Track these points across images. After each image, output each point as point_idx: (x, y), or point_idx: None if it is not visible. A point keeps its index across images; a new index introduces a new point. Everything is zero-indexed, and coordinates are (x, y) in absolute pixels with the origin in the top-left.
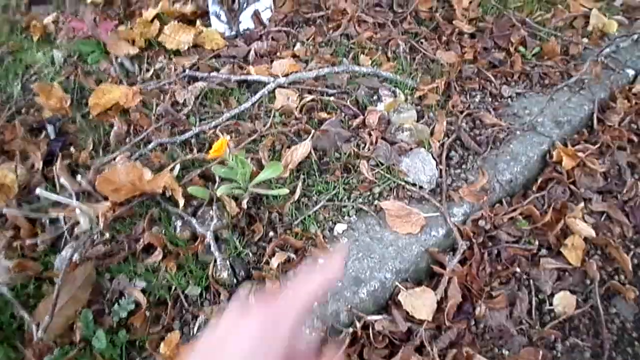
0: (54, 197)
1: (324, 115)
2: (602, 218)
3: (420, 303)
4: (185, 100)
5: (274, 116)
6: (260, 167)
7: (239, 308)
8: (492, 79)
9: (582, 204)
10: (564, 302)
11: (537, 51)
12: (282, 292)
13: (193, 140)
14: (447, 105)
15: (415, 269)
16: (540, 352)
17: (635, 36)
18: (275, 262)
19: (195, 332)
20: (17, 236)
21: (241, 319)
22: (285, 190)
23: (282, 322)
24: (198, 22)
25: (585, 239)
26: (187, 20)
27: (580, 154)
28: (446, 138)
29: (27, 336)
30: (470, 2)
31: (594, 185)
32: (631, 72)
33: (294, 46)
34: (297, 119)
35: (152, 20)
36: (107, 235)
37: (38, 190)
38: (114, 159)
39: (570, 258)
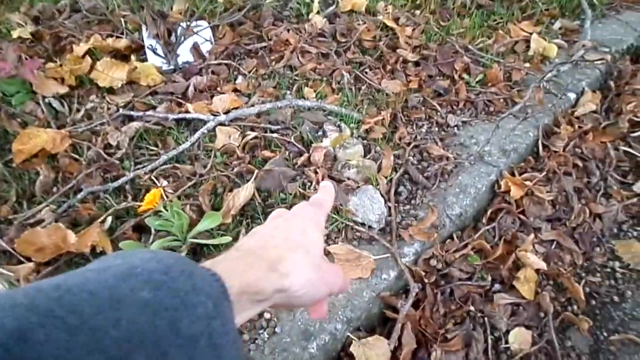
0: None
1: (267, 153)
2: (553, 246)
3: (374, 354)
4: (118, 142)
5: (215, 156)
6: (201, 213)
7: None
8: (438, 107)
9: (532, 235)
10: (519, 339)
11: (480, 78)
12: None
13: (127, 187)
14: (394, 138)
15: (367, 315)
16: None
17: (575, 60)
18: None
19: None
20: None
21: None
22: (227, 239)
23: (321, 216)
24: (133, 57)
25: (537, 271)
26: (122, 56)
27: (527, 182)
28: (394, 173)
29: None
30: (414, 30)
31: (542, 213)
32: (573, 96)
33: (235, 79)
34: (239, 158)
35: (83, 56)
36: None
37: None
38: (40, 211)
39: (524, 292)
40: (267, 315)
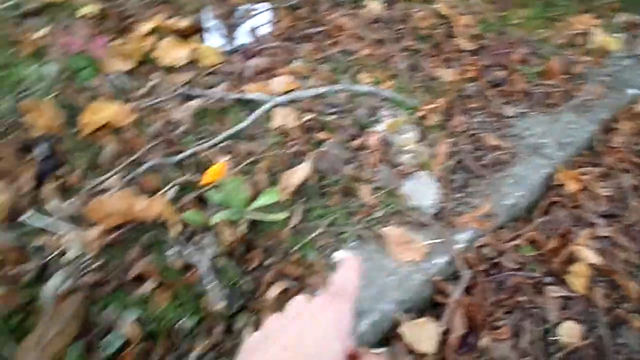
0: (41, 223)
1: (323, 135)
2: (607, 243)
3: (423, 335)
4: (180, 119)
5: (272, 136)
6: (257, 190)
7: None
8: (494, 98)
9: (587, 230)
10: (569, 332)
11: (538, 70)
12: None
13: (188, 162)
14: (448, 126)
15: (418, 298)
16: None
17: (637, 54)
18: (272, 292)
19: None
20: (3, 264)
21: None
22: (282, 216)
23: (345, 314)
24: (193, 38)
25: (591, 266)
26: (183, 36)
27: (583, 177)
28: (448, 160)
29: None
30: (470, 19)
31: (598, 209)
32: (633, 92)
33: (292, 62)
34: (295, 139)
35: (146, 36)
36: (97, 264)
37: (23, 217)
38: (106, 180)
39: (576, 286)
40: (319, 292)
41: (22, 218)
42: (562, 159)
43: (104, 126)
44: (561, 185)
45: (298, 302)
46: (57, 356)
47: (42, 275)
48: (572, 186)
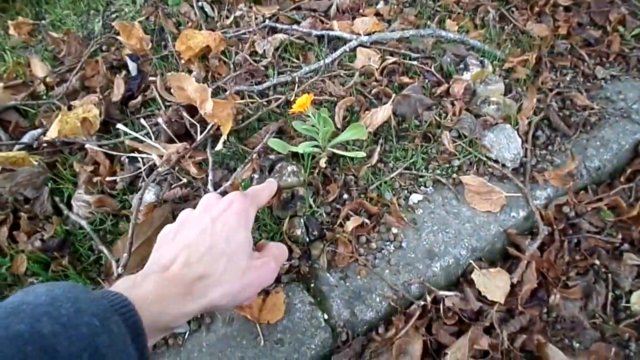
0: (133, 133)
1: (405, 79)
2: None
3: (494, 284)
4: (264, 50)
5: (354, 76)
6: (336, 127)
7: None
8: (586, 57)
9: None
10: None
11: (637, 32)
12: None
13: (270, 92)
14: (536, 81)
15: (491, 249)
16: (613, 349)
17: None
18: (349, 225)
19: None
20: (96, 172)
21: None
22: (362, 154)
23: (251, 211)
24: None
25: None
26: None
27: None
28: (534, 116)
29: (104, 270)
30: None
31: None
32: None
33: (377, 4)
34: (377, 81)
35: None
36: (184, 179)
37: (119, 125)
38: None
39: None
40: (394, 230)
41: (117, 127)
42: None
43: (198, 53)
44: None
45: (209, 196)
46: (145, 261)
47: (134, 185)
48: None
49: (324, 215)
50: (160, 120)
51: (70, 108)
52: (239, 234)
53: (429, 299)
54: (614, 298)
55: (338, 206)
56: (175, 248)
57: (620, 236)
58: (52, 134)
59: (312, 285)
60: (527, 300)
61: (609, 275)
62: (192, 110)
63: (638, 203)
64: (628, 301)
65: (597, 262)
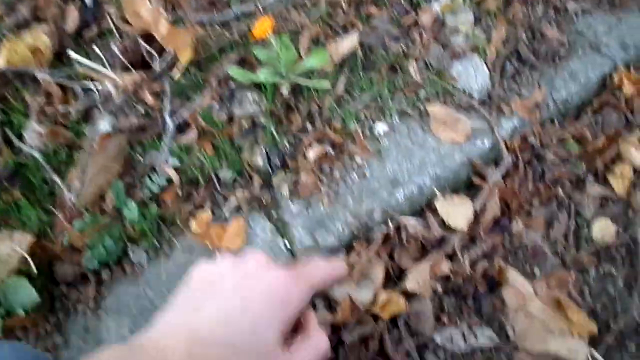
0: (87, 62)
1: (373, 10)
2: None
3: (457, 212)
4: None
5: (320, 7)
6: (300, 57)
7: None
8: None
9: (638, 133)
10: (603, 230)
11: None
12: (297, 266)
13: (233, 22)
14: (506, 13)
15: (455, 178)
16: (573, 275)
17: None
18: (312, 154)
19: (226, 214)
20: (49, 103)
21: (267, 265)
22: (327, 83)
23: (301, 285)
24: None
25: (635, 170)
26: None
27: None
28: (503, 47)
29: (58, 200)
30: None
31: None
32: None
33: None
34: (344, 11)
35: None
36: (141, 109)
37: (72, 53)
38: None
39: (617, 187)
40: (358, 160)
41: (69, 55)
42: (622, 61)
43: None
44: (618, 87)
45: (259, 257)
46: (101, 190)
47: (88, 115)
48: (629, 89)
49: (287, 145)
50: (115, 48)
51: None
52: (267, 333)
53: (391, 226)
54: (576, 227)
55: (301, 136)
56: (186, 331)
57: (584, 167)
58: (0, 63)
59: (274, 214)
60: (489, 228)
61: (572, 204)
62: (149, 39)
63: (603, 135)
64: (590, 230)
65: (561, 192)
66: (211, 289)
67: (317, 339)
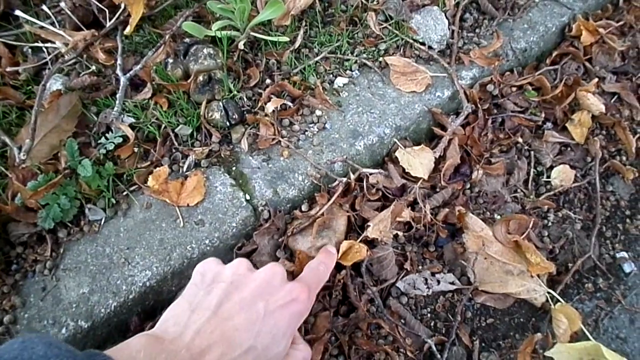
0: (36, 21)
1: None
2: (613, 100)
3: (418, 161)
4: None
5: None
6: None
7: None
8: None
9: (595, 81)
10: (562, 176)
11: None
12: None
13: None
14: None
15: (416, 128)
16: (532, 220)
17: None
18: (270, 107)
19: (184, 170)
20: None
21: (282, 275)
22: (285, 38)
23: (312, 296)
24: None
25: (593, 117)
26: None
27: (601, 29)
28: None
29: (10, 161)
30: None
31: (610, 64)
32: None
33: None
34: None
35: None
36: (93, 67)
37: (19, 12)
38: None
39: (575, 134)
40: (318, 112)
41: (15, 13)
42: (581, 10)
43: None
44: (576, 37)
45: (273, 270)
46: (54, 149)
47: (39, 76)
48: (587, 38)
49: (245, 99)
50: (64, 5)
51: None
52: (282, 342)
53: (352, 176)
54: (535, 174)
55: (259, 90)
56: (212, 331)
57: (543, 115)
58: None
59: (234, 168)
60: (450, 176)
61: (531, 152)
62: None
63: (562, 83)
64: (549, 176)
65: (520, 139)
66: (241, 297)
67: (302, 348)
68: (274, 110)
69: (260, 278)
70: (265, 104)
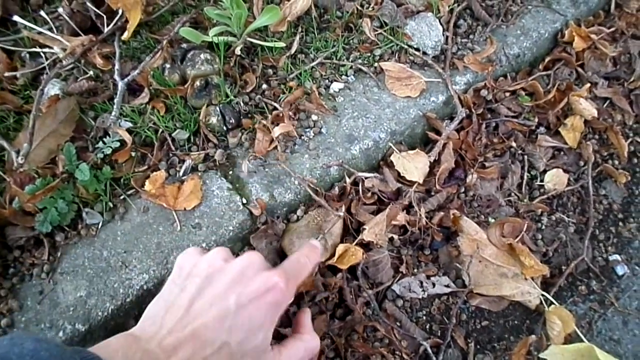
0: (34, 27)
1: None
2: (605, 105)
3: (413, 165)
4: None
5: None
6: (255, 18)
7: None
8: None
9: (587, 86)
10: (555, 179)
11: None
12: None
13: None
14: None
15: (411, 133)
16: (526, 223)
17: None
18: (277, 131)
19: (181, 174)
20: None
21: (260, 265)
22: (281, 44)
23: (290, 285)
24: None
25: (585, 122)
26: None
27: (593, 36)
28: (456, 5)
29: (8, 165)
30: None
31: (601, 69)
32: None
33: None
34: None
35: None
36: (91, 72)
37: (17, 17)
38: None
39: (568, 138)
40: (314, 117)
41: (15, 17)
42: (573, 16)
43: None
44: (569, 43)
45: (253, 257)
46: (52, 153)
47: (37, 81)
48: (579, 44)
49: (242, 104)
50: (62, 11)
51: None
52: (259, 335)
53: (348, 180)
54: (529, 178)
55: (256, 95)
56: (183, 330)
57: (536, 120)
58: None
59: (230, 172)
60: (445, 180)
61: (525, 156)
62: (98, 2)
63: (554, 88)
64: (542, 180)
65: (514, 144)
66: (213, 289)
67: (307, 338)
68: (270, 117)
69: (234, 270)
70: (263, 109)
